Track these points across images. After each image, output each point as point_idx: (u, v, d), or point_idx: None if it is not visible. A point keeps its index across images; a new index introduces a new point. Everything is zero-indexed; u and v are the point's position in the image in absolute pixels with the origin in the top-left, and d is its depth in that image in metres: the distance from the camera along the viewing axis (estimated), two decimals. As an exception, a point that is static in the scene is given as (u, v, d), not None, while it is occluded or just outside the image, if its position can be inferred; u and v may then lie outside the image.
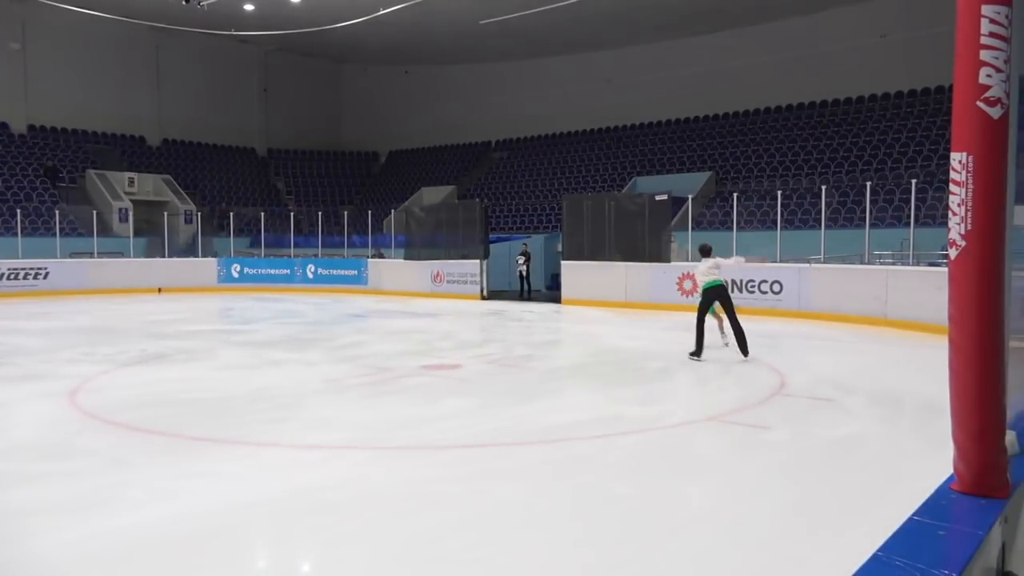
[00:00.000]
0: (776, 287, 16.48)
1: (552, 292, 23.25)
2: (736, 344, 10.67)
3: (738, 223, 18.36)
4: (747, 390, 8.63)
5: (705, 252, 11.00)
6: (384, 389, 8.69)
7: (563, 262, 20.39)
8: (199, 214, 28.83)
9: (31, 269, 23.66)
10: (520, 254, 23.24)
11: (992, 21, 2.60)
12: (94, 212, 26.92)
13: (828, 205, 17.74)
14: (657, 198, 18.70)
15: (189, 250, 28.89)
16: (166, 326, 15.26)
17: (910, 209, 15.78)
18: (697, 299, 10.81)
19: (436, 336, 13.80)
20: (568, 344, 13.76)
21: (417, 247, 23.94)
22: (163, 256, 26.99)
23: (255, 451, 6.12)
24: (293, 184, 38.75)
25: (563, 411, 7.51)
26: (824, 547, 4.32)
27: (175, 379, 9.29)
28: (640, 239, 18.64)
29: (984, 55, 2.62)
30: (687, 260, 18.48)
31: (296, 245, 27.92)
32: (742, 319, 11.13)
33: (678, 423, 7.07)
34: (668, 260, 18.26)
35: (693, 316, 11.69)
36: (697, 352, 10.56)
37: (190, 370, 10.01)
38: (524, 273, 22.85)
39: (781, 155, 26.81)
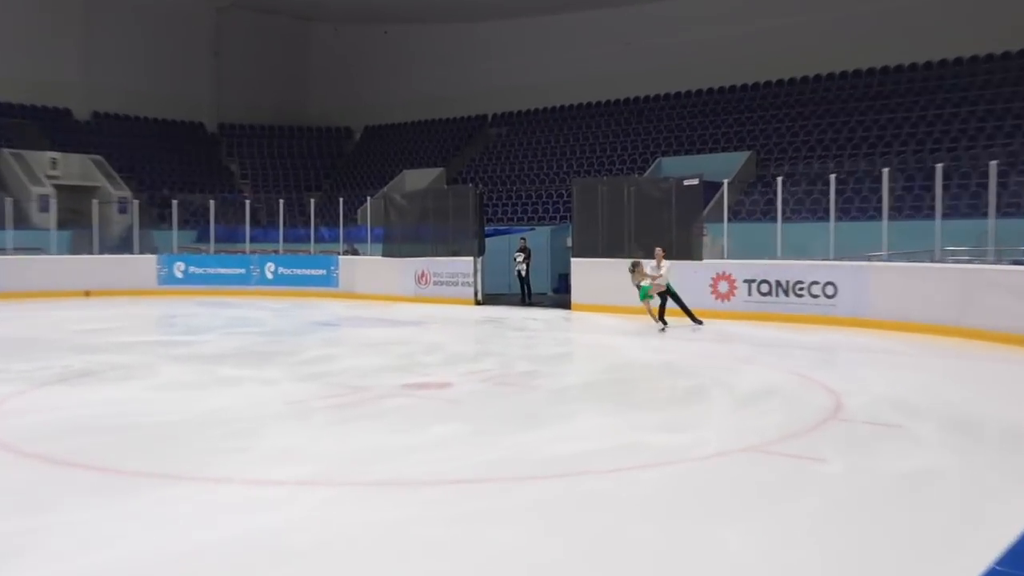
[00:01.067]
0: (829, 290, 16.45)
1: (560, 295, 23.20)
2: (659, 321, 15.85)
3: (783, 213, 18.33)
4: (794, 414, 8.61)
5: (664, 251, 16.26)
6: (358, 413, 8.66)
7: (573, 259, 20.36)
8: (136, 202, 28.78)
9: (-66, 268, 23.63)
10: (519, 250, 23.22)
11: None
12: (8, 200, 26.89)
13: (891, 191, 17.69)
14: (686, 183, 18.68)
15: (124, 245, 28.83)
16: (95, 336, 15.21)
17: (990, 196, 15.76)
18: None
19: (421, 348, 13.76)
20: (579, 358, 13.73)
21: (398, 242, 23.90)
22: (92, 253, 26.92)
23: (203, 488, 6.10)
24: (249, 166, 38.75)
25: (573, 439, 7.49)
26: (890, 604, 4.29)
27: (106, 401, 9.26)
28: (666, 232, 18.59)
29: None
30: (723, 257, 18.48)
31: (253, 239, 27.87)
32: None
33: (712, 454, 7.05)
34: (700, 257, 18.26)
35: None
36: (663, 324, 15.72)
37: (124, 390, 9.98)
38: (523, 273, 22.82)
39: (835, 131, 26.81)
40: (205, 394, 9.74)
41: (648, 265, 16.15)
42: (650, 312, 15.85)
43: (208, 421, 8.26)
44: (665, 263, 16.09)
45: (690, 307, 16.05)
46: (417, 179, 33.77)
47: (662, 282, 15.96)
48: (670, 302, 16.02)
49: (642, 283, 15.75)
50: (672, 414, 8.69)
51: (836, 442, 7.43)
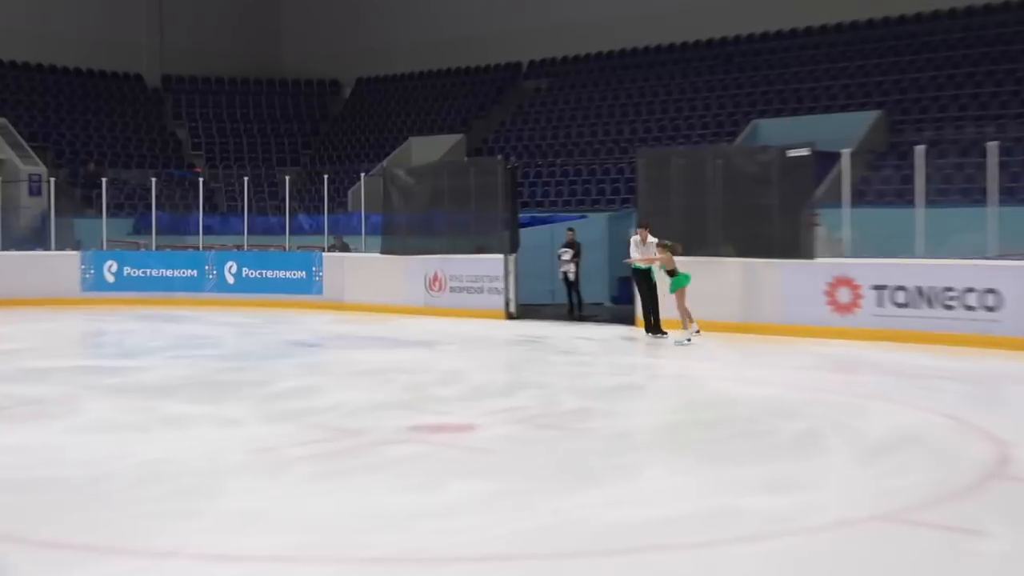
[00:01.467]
0: (990, 299, 16.27)
1: (621, 307, 23.08)
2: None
3: (926, 194, 18.12)
4: (944, 469, 8.53)
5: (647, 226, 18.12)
6: (349, 464, 8.67)
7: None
8: (52, 180, 29.05)
9: None
10: (565, 246, 23.15)
11: None
12: None
13: (1075, 164, 17.50)
14: (792, 154, 18.55)
15: (36, 238, 29.08)
16: None
17: None
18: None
19: (433, 378, 13.79)
20: (649, 392, 13.66)
21: (402, 234, 23.91)
22: (-5, 248, 27.19)
23: (142, 565, 6.10)
24: (203, 132, 38.98)
25: (640, 502, 7.46)
26: None
27: (12, 447, 9.33)
28: (765, 220, 18.49)
29: None
30: (843, 255, 18.27)
31: (208, 231, 28.01)
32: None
33: (830, 524, 6.98)
34: (811, 255, 18.09)
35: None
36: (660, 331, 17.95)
37: (37, 433, 10.03)
38: (571, 276, 22.75)
39: (995, 83, 26.50)
40: (145, 438, 9.77)
41: (633, 245, 18.08)
42: (682, 312, 17.04)
43: (149, 475, 8.26)
44: (651, 239, 17.71)
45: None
46: (428, 149, 33.79)
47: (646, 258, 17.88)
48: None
49: (677, 269, 17.10)
50: (775, 469, 8.61)
51: (1001, 509, 7.32)
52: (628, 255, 18.35)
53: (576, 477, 8.29)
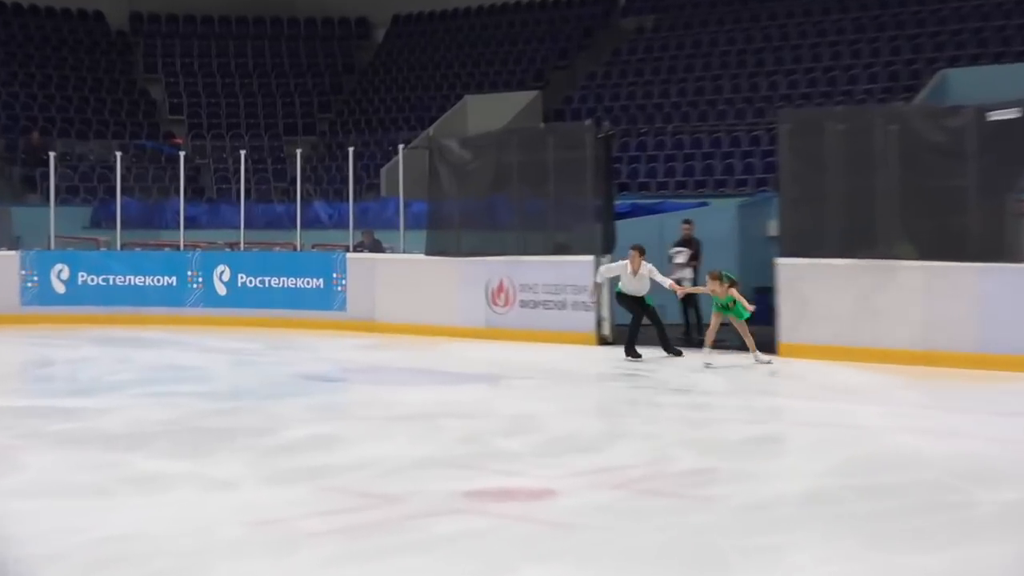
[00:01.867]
0: None
1: (758, 328, 22.98)
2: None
3: None
4: None
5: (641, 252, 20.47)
6: (381, 544, 8.68)
7: (780, 261, 20.19)
8: (-16, 156, 29.49)
9: None
10: (679, 244, 23.10)
11: None
12: None
13: None
14: (993, 116, 18.40)
15: (-37, 234, 29.50)
16: (-87, 399, 15.58)
17: None
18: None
19: (498, 426, 13.85)
20: (794, 447, 13.63)
21: (455, 227, 24.00)
22: (-92, 247, 27.63)
23: None
24: (185, 90, 39.32)
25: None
26: None
27: (-69, 515, 9.43)
28: (957, 209, 18.34)
29: None
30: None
31: (192, 223, 28.24)
32: None
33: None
34: (1021, 256, 17.89)
35: None
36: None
37: (-37, 496, 10.14)
38: (688, 285, 22.69)
39: None
40: (107, 506, 9.83)
41: (624, 276, 20.42)
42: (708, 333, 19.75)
43: (113, 555, 8.30)
44: (646, 266, 20.27)
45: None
46: (490, 112, 33.86)
47: (638, 291, 20.40)
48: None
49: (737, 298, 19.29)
50: (974, 554, 8.51)
51: None
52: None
53: (694, 563, 8.25)
